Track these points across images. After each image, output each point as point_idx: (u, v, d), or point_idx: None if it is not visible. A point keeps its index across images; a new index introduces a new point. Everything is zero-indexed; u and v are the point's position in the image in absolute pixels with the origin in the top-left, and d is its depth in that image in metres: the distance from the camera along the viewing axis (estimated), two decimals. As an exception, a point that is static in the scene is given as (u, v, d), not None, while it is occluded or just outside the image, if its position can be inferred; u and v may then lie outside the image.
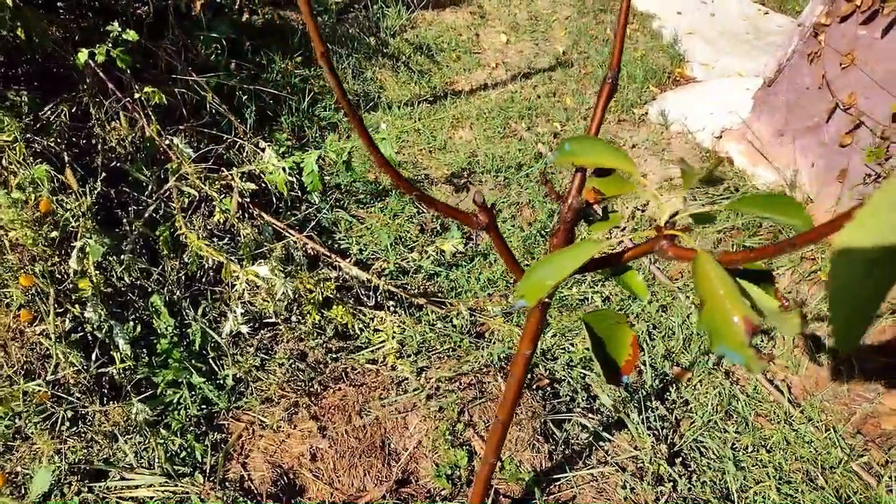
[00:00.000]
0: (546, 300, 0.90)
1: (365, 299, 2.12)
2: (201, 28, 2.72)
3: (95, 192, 1.86)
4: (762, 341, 2.33)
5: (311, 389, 1.83)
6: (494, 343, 2.07)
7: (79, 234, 1.81)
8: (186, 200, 2.10)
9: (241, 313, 1.75)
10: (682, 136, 3.21)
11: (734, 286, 0.60)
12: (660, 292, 2.41)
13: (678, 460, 1.87)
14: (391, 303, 2.11)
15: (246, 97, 2.55)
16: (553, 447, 1.80)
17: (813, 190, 2.68)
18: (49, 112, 1.97)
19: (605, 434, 1.87)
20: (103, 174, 1.97)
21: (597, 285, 2.38)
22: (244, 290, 1.72)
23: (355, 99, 3.02)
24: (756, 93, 2.90)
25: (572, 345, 2.14)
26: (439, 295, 2.22)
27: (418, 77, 3.32)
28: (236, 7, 3.15)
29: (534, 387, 1.97)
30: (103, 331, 1.78)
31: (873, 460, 1.96)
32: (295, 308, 2.05)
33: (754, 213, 0.69)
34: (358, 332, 2.02)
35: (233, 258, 1.75)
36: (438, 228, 2.50)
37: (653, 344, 2.21)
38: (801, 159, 2.72)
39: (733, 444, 1.96)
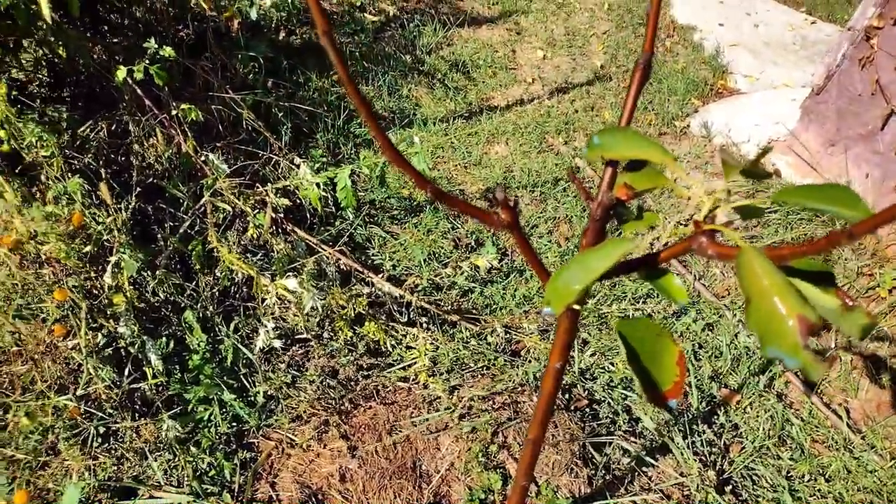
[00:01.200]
0: (576, 307, 0.83)
1: (397, 315, 2.07)
2: (240, 47, 2.76)
3: (130, 207, 1.87)
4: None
5: (342, 407, 1.79)
6: (530, 361, 1.99)
7: (114, 249, 1.82)
8: (221, 216, 2.10)
9: (273, 328, 1.73)
10: (725, 148, 3.10)
11: (786, 281, 0.53)
12: (705, 310, 2.30)
13: (728, 488, 1.76)
14: (424, 319, 2.06)
15: (282, 114, 2.56)
16: (593, 472, 1.71)
17: (868, 201, 2.54)
18: (88, 129, 2.00)
19: (648, 459, 1.77)
20: (139, 190, 1.98)
21: (638, 301, 2.29)
22: (275, 304, 1.69)
23: (390, 115, 3.02)
24: (804, 102, 2.79)
25: (612, 364, 2.05)
26: (473, 312, 2.17)
27: (454, 93, 3.30)
28: (274, 27, 3.20)
29: (572, 408, 1.89)
30: (136, 346, 1.78)
31: (943, 492, 1.81)
32: (327, 324, 2.02)
33: (806, 205, 0.62)
34: (390, 348, 1.98)
35: (264, 273, 1.73)
36: (473, 244, 2.45)
37: (699, 364, 2.10)
38: (854, 170, 2.59)
39: (788, 472, 1.84)
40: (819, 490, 1.80)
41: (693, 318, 2.27)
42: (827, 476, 1.84)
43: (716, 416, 1.99)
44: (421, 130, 2.99)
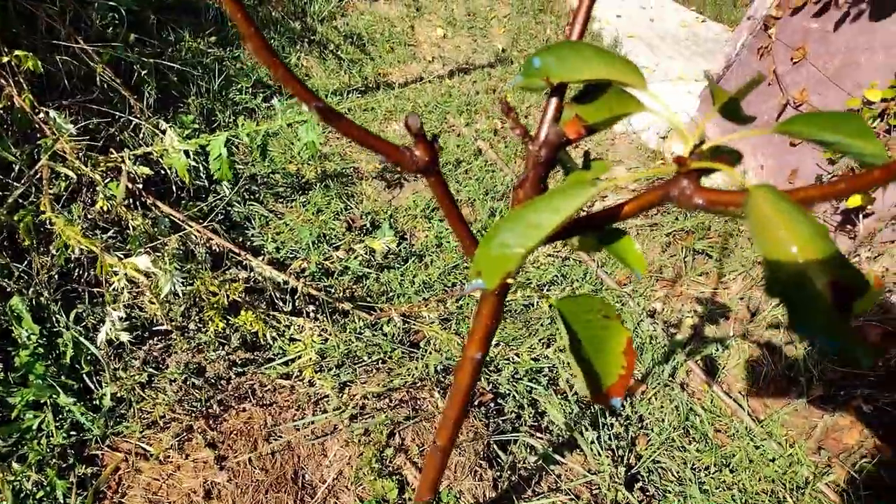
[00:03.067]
0: (508, 280, 0.63)
1: (280, 304, 1.82)
2: (97, -4, 2.37)
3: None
4: (716, 350, 2.17)
5: (209, 411, 1.52)
6: (430, 353, 1.81)
7: (-88, 220, 1.44)
8: (63, 185, 1.75)
9: (122, 318, 1.42)
10: (625, 136, 3.06)
11: (818, 231, 0.37)
12: (608, 298, 2.21)
13: (637, 485, 1.65)
14: (311, 308, 1.82)
15: (146, 72, 2.21)
16: (498, 473, 1.55)
17: (762, 191, 2.57)
18: None
19: (555, 456, 1.63)
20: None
21: (542, 288, 2.16)
22: (124, 288, 1.39)
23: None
24: (702, 91, 2.79)
25: (517, 355, 1.90)
26: (368, 299, 1.95)
27: (348, 66, 3.05)
28: (142, -21, 2.80)
29: (475, 403, 1.72)
30: (-60, 341, 1.42)
31: (839, 479, 1.81)
32: (194, 313, 1.73)
33: (812, 136, 0.47)
34: (270, 341, 1.72)
35: (114, 252, 1.42)
36: (368, 226, 2.23)
37: (604, 353, 2.00)
38: (751, 160, 2.61)
39: (694, 464, 1.77)
40: (724, 482, 1.74)
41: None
42: (731, 467, 1.79)
43: (622, 409, 1.89)
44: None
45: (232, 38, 2.85)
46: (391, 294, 2.00)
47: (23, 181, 1.72)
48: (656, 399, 1.95)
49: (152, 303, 1.46)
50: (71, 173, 1.70)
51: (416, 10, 3.81)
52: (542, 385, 1.81)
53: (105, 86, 2.09)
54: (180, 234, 1.72)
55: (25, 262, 1.64)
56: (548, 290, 2.16)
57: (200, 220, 1.90)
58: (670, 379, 2.00)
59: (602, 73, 0.52)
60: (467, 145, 2.74)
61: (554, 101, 0.57)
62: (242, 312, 1.73)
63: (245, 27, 0.42)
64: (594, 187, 0.46)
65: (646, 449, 1.77)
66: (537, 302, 2.13)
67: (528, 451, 1.63)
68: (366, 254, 2.05)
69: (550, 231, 0.46)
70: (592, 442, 1.67)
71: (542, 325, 2.03)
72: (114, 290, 1.42)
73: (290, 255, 2.01)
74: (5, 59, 1.79)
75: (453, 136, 2.80)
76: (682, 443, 1.83)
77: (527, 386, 1.80)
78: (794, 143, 2.42)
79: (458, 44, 3.63)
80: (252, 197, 2.18)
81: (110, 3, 2.35)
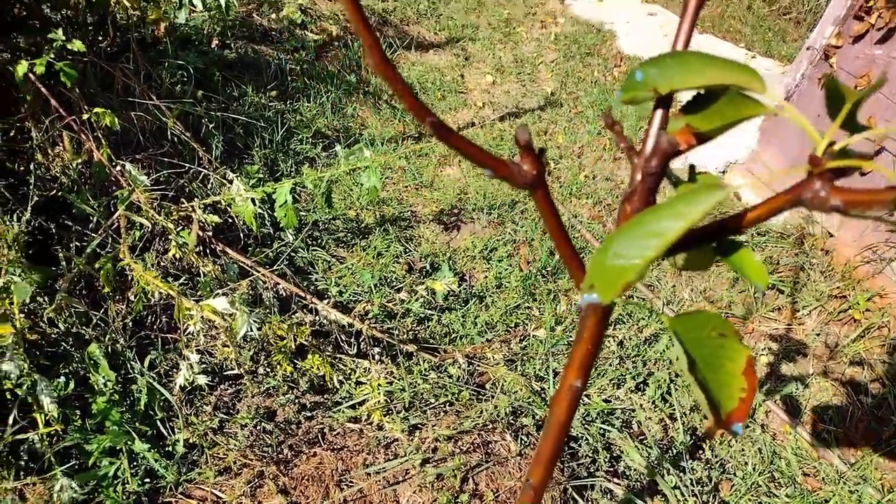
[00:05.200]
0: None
1: (346, 346, 1.81)
2: (167, 56, 2.50)
3: (23, 220, 1.57)
4: (796, 389, 2.06)
5: (280, 456, 1.51)
6: (499, 395, 1.76)
7: (1, 271, 1.50)
8: (137, 234, 1.81)
9: (197, 361, 1.44)
10: (682, 172, 3.01)
11: None
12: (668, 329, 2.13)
13: (724, 533, 1.56)
14: (376, 350, 1.81)
15: (213, 125, 2.30)
16: (576, 521, 1.48)
17: (833, 223, 2.48)
18: (-25, 130, 1.69)
19: (637, 501, 1.55)
20: (34, 202, 1.68)
21: (609, 327, 2.10)
22: (199, 332, 1.41)
23: (335, 134, 2.79)
24: (762, 123, 2.73)
25: (588, 396, 1.84)
26: (431, 341, 1.93)
27: (402, 115, 3.11)
28: (207, 39, 2.95)
29: (547, 447, 1.66)
30: (24, 387, 1.45)
31: (947, 527, 1.67)
32: (262, 358, 1.74)
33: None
34: (337, 384, 1.71)
35: (187, 295, 1.45)
36: (428, 268, 2.23)
37: (678, 394, 1.92)
38: (818, 191, 2.52)
39: (784, 511, 1.66)
40: (819, 531, 1.63)
41: (666, 345, 2.10)
42: (825, 514, 1.67)
43: (701, 451, 1.80)
44: (369, 150, 2.77)
45: (291, 91, 2.95)
46: (454, 335, 1.98)
47: (100, 231, 1.79)
48: (737, 441, 1.85)
49: (226, 346, 1.47)
50: (146, 222, 1.75)
51: (465, 59, 3.89)
52: (615, 427, 1.74)
53: (175, 139, 2.18)
54: (249, 279, 1.75)
55: (102, 310, 1.68)
56: (613, 329, 2.11)
57: (267, 266, 1.93)
58: (750, 420, 1.90)
59: (715, 79, 0.50)
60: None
61: (659, 112, 0.56)
62: (310, 356, 1.74)
63: (366, 39, 0.42)
64: (723, 190, 0.44)
65: (731, 494, 1.67)
66: (604, 341, 2.07)
67: (607, 496, 1.56)
68: (427, 295, 2.04)
69: (673, 238, 0.43)
70: (675, 487, 1.59)
71: (610, 365, 1.97)
72: (189, 333, 1.44)
73: (354, 299, 2.02)
74: (85, 117, 1.88)
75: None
76: (769, 488, 1.72)
77: (600, 428, 1.74)
78: (864, 173, 2.33)
79: (507, 89, 3.67)
80: (315, 242, 2.21)
81: (179, 62, 2.47)
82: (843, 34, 2.31)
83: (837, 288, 2.36)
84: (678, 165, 3.04)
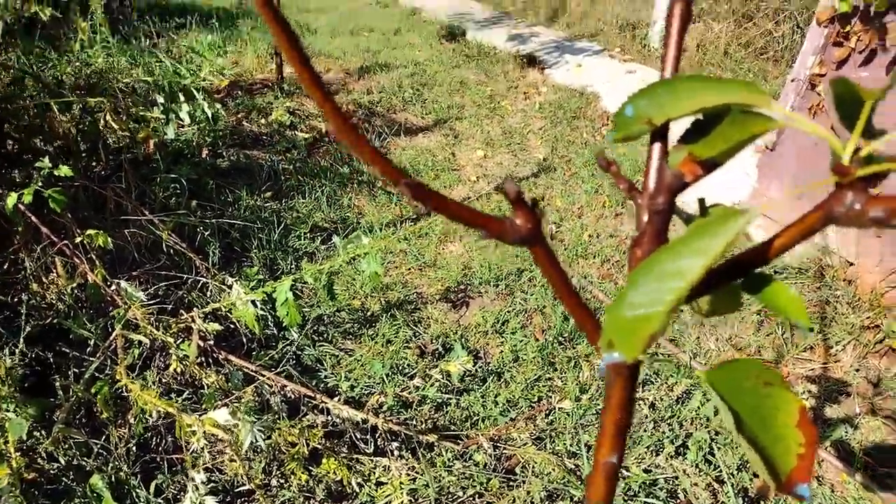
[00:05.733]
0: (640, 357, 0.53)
1: (362, 445, 1.71)
2: (159, 172, 2.53)
3: (17, 352, 1.52)
4: (846, 432, 1.92)
5: (302, 575, 1.39)
6: (530, 479, 1.64)
7: (-5, 408, 1.44)
8: (137, 352, 1.75)
9: (203, 481, 1.35)
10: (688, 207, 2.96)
11: None
12: (708, 388, 2.02)
13: None
14: (394, 445, 1.70)
15: (209, 233, 2.29)
16: None
17: (851, 251, 2.39)
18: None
19: (696, 583, 1.41)
20: (35, 335, 1.64)
21: (638, 389, 1.99)
22: (204, 448, 1.33)
23: (332, 226, 2.78)
24: (760, 160, 2.70)
25: (626, 468, 1.72)
26: (452, 428, 1.82)
27: (397, 199, 3.11)
28: (198, 151, 3.00)
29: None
30: (23, 532, 1.36)
31: None
32: (275, 468, 1.64)
33: None
34: (356, 488, 1.60)
35: (189, 412, 1.37)
36: (441, 350, 2.14)
37: (722, 453, 1.79)
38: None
39: (861, 572, 1.50)
40: (905, 591, 1.46)
41: (700, 402, 1.98)
42: (907, 571, 1.51)
43: (810, 497, 1.66)
44: (367, 237, 2.75)
45: (286, 190, 2.97)
46: (475, 418, 1.87)
47: (98, 354, 1.73)
48: (793, 500, 1.71)
49: (233, 460, 1.38)
50: (144, 339, 1.70)
51: (454, 138, 3.94)
52: (661, 500, 1.61)
53: (171, 251, 2.16)
54: (254, 384, 1.68)
55: (103, 437, 1.60)
56: (643, 391, 1.99)
57: (273, 369, 1.86)
58: (804, 473, 1.76)
59: (712, 100, 0.45)
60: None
61: (657, 146, 0.50)
62: (324, 460, 1.64)
63: (324, 105, 0.37)
64: (743, 216, 0.38)
65: (799, 561, 1.51)
66: (633, 407, 1.95)
67: (662, 580, 1.42)
68: (442, 379, 1.95)
69: (695, 279, 0.37)
70: (735, 560, 1.45)
71: (644, 430, 1.85)
72: (193, 451, 1.36)
73: (366, 392, 1.93)
74: (78, 240, 1.87)
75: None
76: (838, 548, 1.57)
77: (644, 502, 1.60)
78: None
79: (499, 161, 3.69)
80: (321, 338, 2.14)
81: (171, 175, 2.50)
82: (825, 62, 2.31)
83: (868, 318, 2.25)
84: (687, 199, 3.00)
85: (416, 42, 5.93)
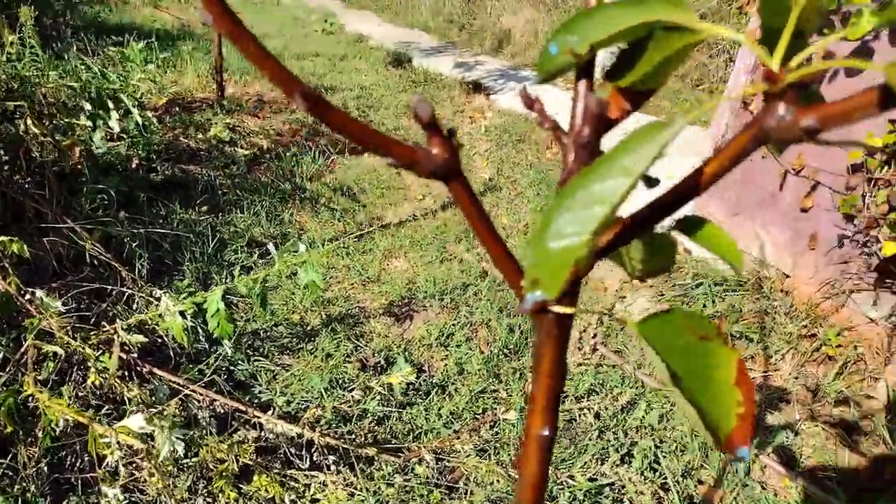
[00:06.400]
0: (566, 308, 0.48)
1: (297, 461, 1.62)
2: (86, 183, 2.40)
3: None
4: (787, 438, 1.93)
5: None
6: (473, 490, 1.58)
7: None
8: (52, 365, 1.62)
9: (118, 499, 1.23)
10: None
11: None
12: (654, 400, 2.01)
13: None
14: (331, 459, 1.62)
15: (136, 244, 2.17)
16: None
17: (787, 263, 2.45)
18: None
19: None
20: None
21: (581, 400, 1.97)
22: (119, 461, 1.22)
23: (272, 240, 2.69)
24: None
25: (571, 478, 1.67)
26: (394, 441, 1.75)
27: (341, 215, 3.05)
28: (132, 166, 2.88)
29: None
30: None
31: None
32: (202, 487, 1.52)
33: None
34: (290, 504, 1.50)
35: (101, 421, 1.26)
36: (383, 363, 2.07)
37: (667, 461, 1.77)
38: (765, 234, 2.52)
39: (806, 574, 1.49)
40: (849, 591, 1.45)
41: (644, 411, 1.97)
42: (850, 571, 1.50)
43: (749, 460, 1.64)
44: (303, 245, 2.67)
45: (223, 205, 2.87)
46: (418, 431, 1.80)
47: (7, 368, 1.60)
48: (737, 503, 1.69)
49: (152, 475, 1.27)
50: (59, 350, 1.58)
51: (399, 158, 3.91)
52: (606, 507, 1.57)
53: (96, 262, 2.04)
54: (180, 396, 1.57)
55: (10, 456, 1.46)
56: (588, 400, 1.97)
57: (203, 384, 1.75)
58: (747, 478, 1.75)
59: (633, 19, 0.42)
60: (472, 269, 2.66)
61: (583, 83, 0.47)
62: (255, 477, 1.54)
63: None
64: (668, 129, 0.34)
65: (745, 565, 1.49)
66: (578, 415, 1.92)
67: (610, 589, 1.36)
68: (384, 391, 1.88)
69: (619, 200, 0.33)
70: (682, 565, 1.41)
71: (590, 439, 1.81)
72: (107, 466, 1.24)
73: (302, 406, 1.84)
74: (-10, 247, 1.74)
75: (455, 262, 2.73)
76: (783, 552, 1.55)
77: (589, 511, 1.56)
78: (805, 209, 2.34)
79: (445, 180, 3.68)
80: (256, 353, 2.04)
81: (99, 186, 2.37)
82: (756, 81, 2.38)
83: (805, 327, 2.29)
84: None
85: (362, 67, 5.93)
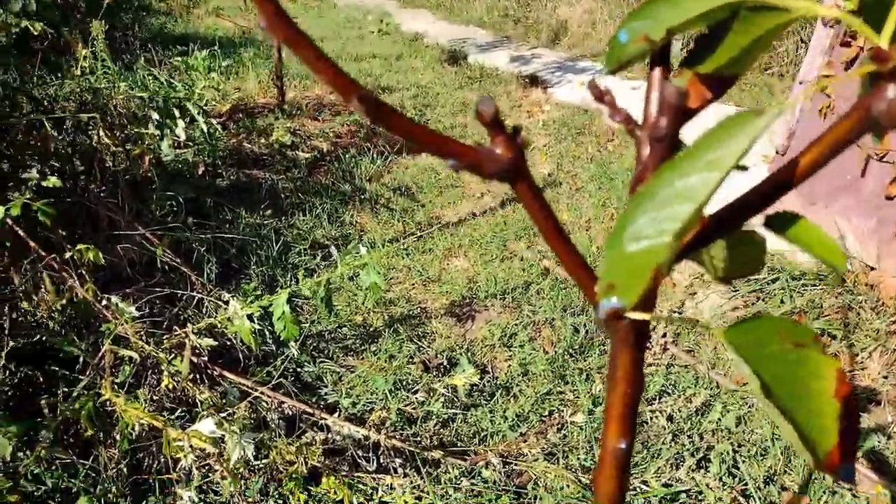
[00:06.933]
0: (641, 315, 0.44)
1: (364, 463, 1.62)
2: (156, 190, 2.48)
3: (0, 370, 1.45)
4: (878, 442, 1.81)
5: None
6: (542, 496, 1.54)
7: (-26, 429, 1.36)
8: (128, 369, 1.67)
9: (193, 500, 1.26)
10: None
11: None
12: (731, 401, 1.92)
13: None
14: (398, 462, 1.61)
15: (205, 249, 2.23)
16: None
17: (870, 254, 2.30)
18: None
19: None
20: (9, 349, 1.57)
21: (653, 402, 1.90)
22: (192, 465, 1.24)
23: (333, 243, 2.72)
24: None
25: (645, 483, 1.61)
26: (459, 444, 1.73)
27: (400, 215, 3.06)
28: (197, 170, 2.96)
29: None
30: (1, 559, 1.27)
31: None
32: (272, 489, 1.54)
33: None
34: (358, 507, 1.50)
35: (175, 425, 1.29)
36: (446, 364, 2.06)
37: (747, 465, 1.69)
38: (845, 223, 2.37)
39: (905, 590, 1.39)
40: None
41: (720, 413, 1.88)
42: (955, 588, 1.39)
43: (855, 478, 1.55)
44: (364, 247, 2.69)
45: (286, 208, 2.92)
46: (483, 434, 1.78)
47: (87, 372, 1.66)
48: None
49: (224, 478, 1.30)
50: (134, 354, 1.63)
51: (457, 155, 3.89)
52: (683, 514, 1.50)
53: (166, 268, 2.10)
54: (249, 398, 1.60)
55: (91, 458, 1.52)
56: (659, 402, 1.90)
57: (271, 385, 1.78)
58: (836, 485, 1.65)
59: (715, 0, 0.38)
60: (532, 267, 2.61)
61: (657, 70, 0.42)
62: (324, 479, 1.54)
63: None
64: (761, 118, 0.30)
65: (836, 579, 1.40)
66: (650, 418, 1.85)
67: None
68: (448, 393, 1.86)
69: (707, 198, 0.29)
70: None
71: (663, 443, 1.75)
72: (182, 469, 1.27)
73: (368, 408, 1.84)
74: (67, 255, 1.81)
75: (516, 260, 2.69)
76: (878, 565, 1.45)
77: (665, 518, 1.50)
78: (891, 196, 2.19)
79: (504, 177, 3.64)
80: (322, 354, 2.06)
81: (168, 193, 2.45)
82: (833, 63, 2.25)
83: (894, 322, 2.15)
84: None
85: (418, 66, 5.94)
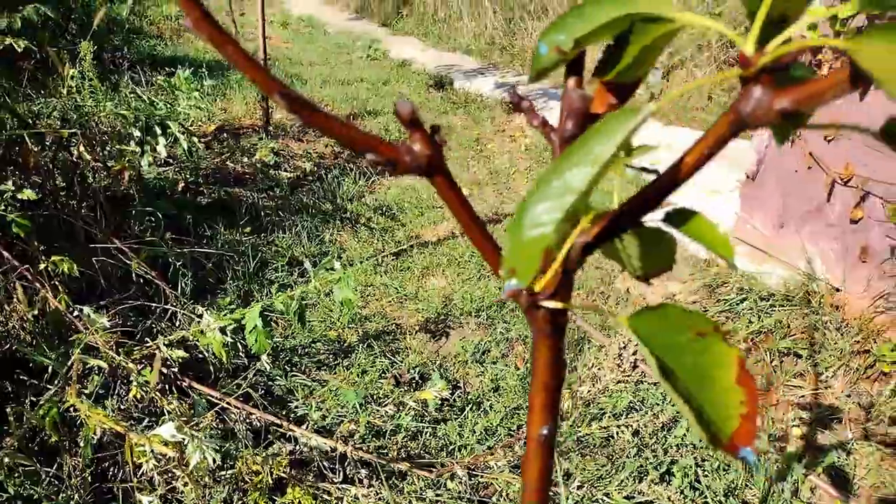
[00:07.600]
0: (556, 304, 0.48)
1: (329, 474, 1.63)
2: (135, 206, 2.51)
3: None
4: (838, 458, 1.84)
5: None
6: (505, 507, 1.56)
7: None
8: (97, 379, 1.69)
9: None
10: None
11: None
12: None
13: None
14: (364, 472, 1.62)
15: (181, 263, 2.25)
16: None
17: (836, 276, 2.36)
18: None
19: None
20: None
21: (620, 417, 1.92)
22: (153, 469, 1.25)
23: (312, 260, 2.74)
24: (742, 189, 2.70)
25: (607, 495, 1.63)
26: (427, 456, 1.74)
27: (380, 234, 3.09)
28: (179, 189, 2.99)
29: (568, 559, 1.44)
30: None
31: None
32: (236, 498, 1.55)
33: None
34: (322, 517, 1.51)
35: (136, 430, 1.30)
36: (417, 379, 2.08)
37: (708, 479, 1.71)
38: (812, 247, 2.43)
39: None
40: None
41: (686, 429, 1.91)
42: None
43: (756, 462, 1.57)
44: (338, 262, 2.72)
45: (266, 225, 2.95)
46: (451, 447, 1.79)
47: (56, 381, 1.67)
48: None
49: (186, 484, 1.31)
50: (103, 364, 1.64)
51: (439, 177, 3.95)
52: (643, 526, 1.52)
53: (142, 281, 2.12)
54: (216, 409, 1.61)
55: (56, 466, 1.52)
56: (626, 417, 1.92)
57: (241, 398, 1.79)
58: (795, 499, 1.68)
59: (615, 11, 0.42)
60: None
61: (571, 80, 0.47)
62: (289, 490, 1.55)
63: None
64: (635, 115, 0.34)
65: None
66: (616, 433, 1.88)
67: None
68: (418, 407, 1.88)
69: (585, 188, 0.33)
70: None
71: (627, 456, 1.77)
72: (143, 475, 1.28)
73: (337, 421, 1.85)
74: (42, 266, 1.83)
75: (493, 280, 2.72)
76: (835, 577, 1.47)
77: (626, 530, 1.52)
78: (855, 220, 2.25)
79: (484, 198, 3.70)
80: (294, 368, 2.08)
81: (147, 209, 2.48)
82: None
83: (858, 342, 2.19)
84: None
85: (404, 91, 6.04)
